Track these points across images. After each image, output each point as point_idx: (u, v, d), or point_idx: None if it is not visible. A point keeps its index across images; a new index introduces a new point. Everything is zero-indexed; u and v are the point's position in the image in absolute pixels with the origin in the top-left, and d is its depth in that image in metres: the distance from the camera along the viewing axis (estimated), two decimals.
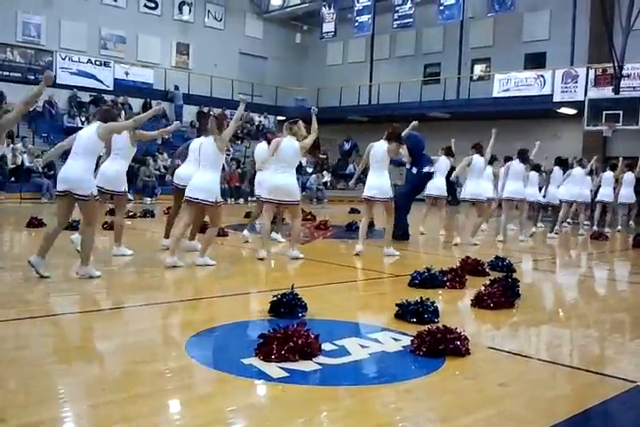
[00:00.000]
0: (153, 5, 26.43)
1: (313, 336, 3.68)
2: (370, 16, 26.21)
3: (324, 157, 26.21)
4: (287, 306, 4.59)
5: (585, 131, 20.14)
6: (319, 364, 3.54)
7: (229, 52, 28.37)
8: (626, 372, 3.69)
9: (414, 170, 10.20)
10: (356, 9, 26.55)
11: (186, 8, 27.43)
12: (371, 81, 27.87)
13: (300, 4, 28.93)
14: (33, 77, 22.20)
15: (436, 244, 10.32)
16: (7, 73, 21.72)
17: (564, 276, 8.01)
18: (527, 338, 4.71)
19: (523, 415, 2.96)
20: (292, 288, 4.73)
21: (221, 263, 7.03)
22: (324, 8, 27.84)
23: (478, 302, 5.26)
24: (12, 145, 17.94)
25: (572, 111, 21.20)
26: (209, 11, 28.17)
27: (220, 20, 28.60)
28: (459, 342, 3.82)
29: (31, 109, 20.47)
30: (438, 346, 3.78)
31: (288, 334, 3.62)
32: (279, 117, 27.17)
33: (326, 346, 3.81)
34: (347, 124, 27.25)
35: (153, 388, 3.18)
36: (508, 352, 4.01)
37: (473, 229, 10.14)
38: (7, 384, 3.14)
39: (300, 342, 3.59)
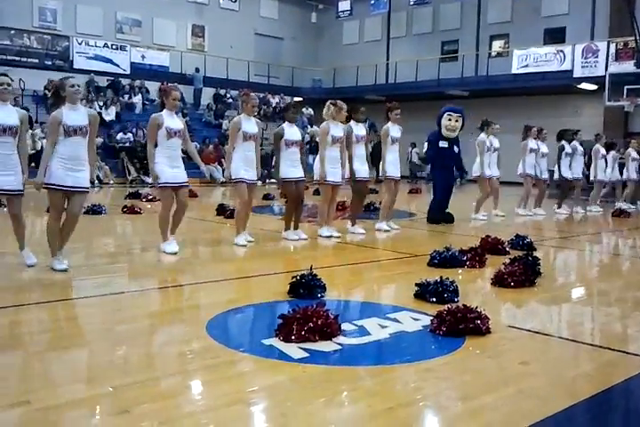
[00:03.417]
0: None
1: (332, 317, 3.69)
2: None
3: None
4: (306, 287, 4.60)
5: (606, 106, 19.84)
6: (339, 344, 3.55)
7: (245, 33, 28.21)
8: None
9: (456, 149, 9.87)
10: None
11: None
12: (387, 60, 27.63)
13: None
14: (50, 63, 22.37)
15: (456, 222, 10.25)
16: (25, 59, 21.81)
17: (586, 254, 7.94)
18: (548, 316, 4.69)
19: (544, 394, 2.95)
20: (311, 269, 4.73)
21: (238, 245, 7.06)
22: None
23: (498, 280, 5.24)
24: (30, 131, 18.07)
25: (592, 87, 20.88)
26: None
27: (235, 1, 28.41)
28: (479, 322, 3.81)
29: (49, 94, 20.60)
30: (458, 325, 3.77)
31: (308, 314, 3.63)
32: (296, 98, 27.00)
33: (346, 326, 3.81)
34: (363, 103, 27.02)
35: (175, 369, 3.22)
36: (529, 331, 4.00)
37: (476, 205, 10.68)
38: (31, 367, 3.19)
39: (319, 322, 3.60)
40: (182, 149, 6.59)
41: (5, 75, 5.35)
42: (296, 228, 7.69)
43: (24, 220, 5.57)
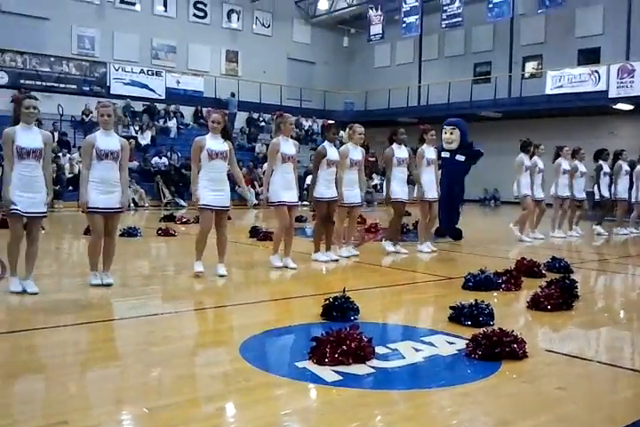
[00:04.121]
0: (202, 14, 26.88)
1: (366, 339, 3.67)
2: (417, 17, 26.05)
3: (374, 159, 26.14)
4: (339, 309, 4.58)
5: None
6: (373, 367, 3.52)
7: (278, 57, 28.59)
8: None
9: (460, 157, 9.93)
10: (403, 10, 26.42)
11: (234, 16, 27.79)
12: (419, 82, 27.69)
13: (346, 8, 28.96)
14: (88, 89, 22.91)
15: (491, 244, 10.14)
16: (63, 85, 22.37)
17: (624, 276, 7.78)
18: (586, 340, 4.59)
19: (582, 420, 2.88)
20: (344, 291, 4.72)
21: (271, 267, 7.08)
22: (371, 11, 27.80)
23: (535, 304, 5.15)
24: (68, 155, 18.47)
25: (628, 107, 20.63)
26: (257, 18, 28.47)
27: (268, 26, 28.87)
28: (515, 345, 3.75)
29: (86, 119, 21.10)
30: (494, 349, 3.71)
31: (341, 337, 3.62)
32: (328, 121, 27.19)
33: (380, 349, 3.79)
34: (396, 126, 27.08)
35: (209, 391, 3.22)
36: (567, 355, 3.92)
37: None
38: (68, 388, 3.22)
39: (353, 345, 3.58)
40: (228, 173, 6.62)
41: (34, 98, 5.47)
42: (327, 249, 7.70)
43: (38, 243, 5.62)
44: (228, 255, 6.63)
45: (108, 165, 5.66)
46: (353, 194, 7.93)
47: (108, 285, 5.73)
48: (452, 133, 9.85)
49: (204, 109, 22.32)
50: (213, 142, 6.34)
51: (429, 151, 8.62)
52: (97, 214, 5.64)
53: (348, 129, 8.06)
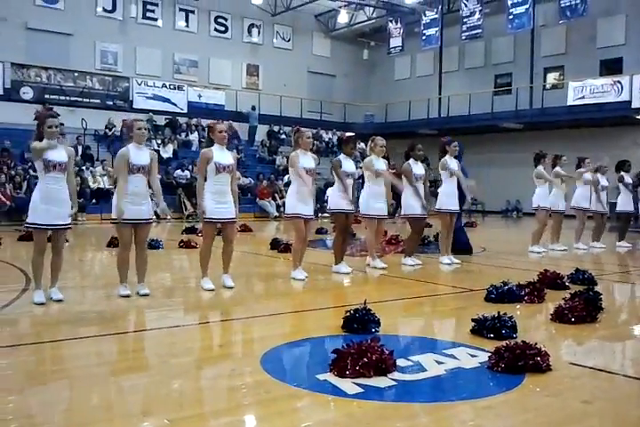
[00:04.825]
0: (223, 29, 27.17)
1: (387, 352, 3.65)
2: (437, 29, 26.12)
3: (394, 171, 26.10)
4: (360, 322, 4.57)
5: None
6: (394, 380, 3.50)
7: (298, 71, 28.76)
8: None
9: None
10: (423, 22, 26.51)
11: (255, 30, 28.05)
12: (440, 94, 27.66)
13: (366, 21, 29.09)
14: (111, 103, 23.23)
15: (513, 256, 10.06)
16: (87, 100, 22.72)
17: None
18: (611, 353, 4.52)
19: None
20: (365, 303, 4.70)
21: (291, 279, 7.08)
22: (390, 23, 27.92)
23: (559, 316, 5.09)
24: (91, 168, 18.70)
25: None
26: (277, 32, 28.71)
27: (289, 40, 29.09)
28: (539, 358, 3.70)
29: (109, 133, 21.36)
30: (517, 362, 3.67)
31: (362, 349, 3.60)
32: (348, 134, 27.24)
33: (401, 362, 3.76)
34: (416, 137, 27.03)
35: (229, 403, 3.22)
36: (592, 368, 3.86)
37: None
38: (91, 399, 3.24)
39: (374, 357, 3.56)
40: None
41: (56, 116, 5.59)
42: (341, 260, 7.74)
43: (63, 255, 5.75)
44: (248, 267, 6.65)
45: (138, 179, 5.83)
46: (380, 206, 7.97)
47: (145, 295, 5.88)
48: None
49: (225, 123, 22.51)
50: (220, 155, 6.33)
51: (452, 162, 8.61)
52: (127, 226, 5.79)
53: (370, 141, 8.11)
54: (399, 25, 27.57)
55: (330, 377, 3.51)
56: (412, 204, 8.29)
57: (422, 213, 8.35)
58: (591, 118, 21.37)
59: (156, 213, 7.27)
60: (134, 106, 23.42)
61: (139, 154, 5.83)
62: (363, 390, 3.31)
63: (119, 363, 3.95)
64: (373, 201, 7.91)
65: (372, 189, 7.95)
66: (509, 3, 23.12)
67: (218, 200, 6.32)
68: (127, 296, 5.79)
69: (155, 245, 9.93)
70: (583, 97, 21.80)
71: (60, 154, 5.46)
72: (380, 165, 7.96)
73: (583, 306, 5.12)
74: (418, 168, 8.36)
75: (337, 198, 7.61)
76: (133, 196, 5.77)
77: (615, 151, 17.85)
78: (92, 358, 4.02)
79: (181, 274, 8.39)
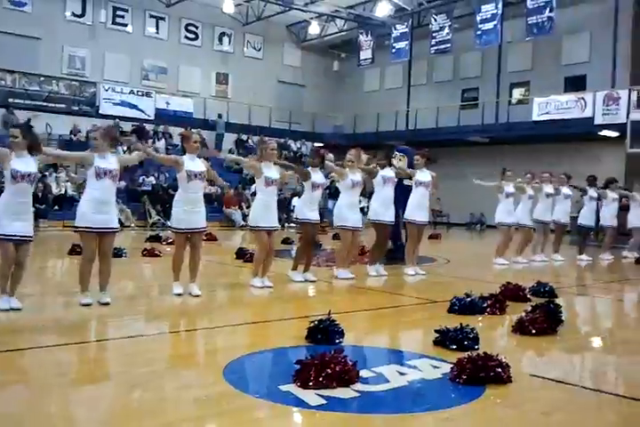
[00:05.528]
0: (193, 37, 27.06)
1: (351, 363, 3.64)
2: (407, 42, 26.38)
3: (362, 187, 26.21)
4: (324, 332, 4.56)
5: (628, 153, 19.79)
6: (357, 391, 3.49)
7: (268, 80, 28.77)
8: None
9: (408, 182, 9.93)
10: (393, 36, 26.75)
11: (225, 39, 28.00)
12: (408, 107, 27.92)
13: (337, 33, 29.26)
14: (77, 108, 22.95)
15: (476, 268, 10.16)
16: (52, 104, 22.40)
17: (608, 301, 7.80)
18: (571, 365, 4.59)
19: None
20: (330, 314, 4.70)
21: (256, 289, 7.05)
22: (361, 36, 28.12)
23: (520, 328, 5.15)
24: (55, 174, 18.42)
25: (614, 134, 20.87)
26: (248, 41, 28.69)
27: (259, 49, 29.10)
28: (500, 370, 3.74)
29: (74, 139, 21.11)
30: (479, 373, 3.70)
31: (325, 360, 3.59)
32: (316, 144, 27.34)
33: (364, 373, 3.77)
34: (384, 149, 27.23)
35: (191, 414, 3.18)
36: (552, 380, 3.91)
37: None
38: (48, 410, 3.18)
39: (337, 368, 3.56)
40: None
41: (16, 126, 5.53)
42: (306, 270, 7.75)
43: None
44: (213, 276, 6.62)
45: (106, 184, 5.72)
46: (357, 218, 8.03)
47: (106, 304, 5.72)
48: (400, 160, 9.98)
49: (194, 131, 22.40)
50: (192, 163, 6.40)
51: (421, 174, 8.70)
52: (91, 234, 5.66)
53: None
54: (369, 37, 27.79)
55: (293, 388, 3.49)
56: (376, 210, 8.38)
57: (386, 220, 8.39)
58: (555, 134, 21.76)
59: (120, 221, 7.21)
60: (101, 111, 23.16)
61: (103, 160, 5.77)
62: (326, 402, 3.30)
63: (78, 373, 3.88)
64: (349, 212, 7.96)
65: (348, 200, 8.01)
66: (478, 19, 23.49)
67: (188, 209, 6.33)
68: (88, 305, 5.68)
69: (118, 253, 9.78)
70: (548, 113, 22.20)
71: (26, 165, 5.34)
72: (357, 176, 8.05)
73: (544, 318, 5.19)
74: (388, 172, 8.45)
75: (304, 209, 7.67)
76: (100, 204, 5.67)
77: (578, 166, 18.20)
78: (50, 368, 3.93)
79: (144, 283, 8.30)
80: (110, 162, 5.80)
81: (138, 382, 3.63)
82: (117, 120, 23.07)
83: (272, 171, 7.16)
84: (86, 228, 5.62)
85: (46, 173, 17.78)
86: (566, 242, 12.73)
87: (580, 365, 4.66)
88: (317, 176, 7.76)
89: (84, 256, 5.80)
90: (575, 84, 23.14)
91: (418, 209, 8.65)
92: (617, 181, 13.03)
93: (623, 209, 13.28)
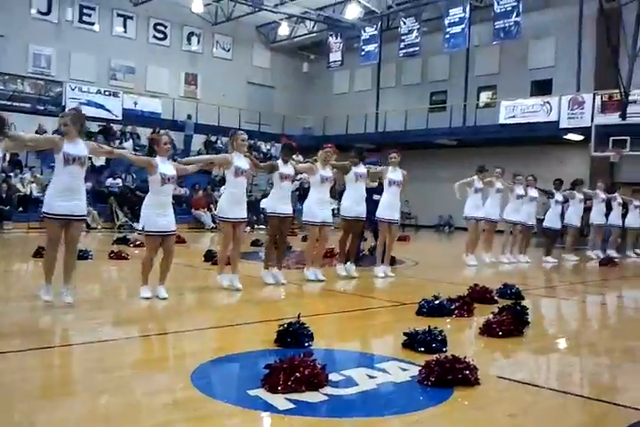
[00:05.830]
0: (162, 36, 26.84)
1: (320, 366, 3.64)
2: (376, 45, 26.51)
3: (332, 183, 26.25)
4: (293, 335, 4.55)
5: (592, 156, 20.15)
6: (326, 395, 3.49)
7: (237, 81, 28.66)
8: (639, 401, 3.62)
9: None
10: (362, 38, 26.87)
11: (194, 39, 27.82)
12: (377, 109, 28.04)
13: (307, 34, 29.28)
14: (42, 108, 22.57)
15: (445, 270, 10.24)
16: (17, 104, 22.00)
17: (573, 303, 7.93)
18: (537, 367, 4.65)
19: None
20: (299, 317, 4.69)
21: (225, 291, 7.02)
22: (330, 38, 28.19)
23: (487, 330, 5.21)
24: (20, 175, 18.10)
25: (578, 137, 21.23)
26: (217, 41, 28.55)
27: (229, 50, 28.98)
28: (467, 372, 3.77)
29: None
30: (447, 376, 3.73)
31: (294, 364, 3.59)
32: (284, 137, 27.29)
33: (333, 376, 3.76)
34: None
35: (158, 420, 3.15)
36: (518, 382, 3.95)
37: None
38: (11, 417, 3.11)
39: (306, 372, 3.55)
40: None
41: None
42: (279, 268, 7.76)
43: None
44: (181, 279, 6.57)
45: (74, 171, 5.65)
46: (325, 214, 8.05)
47: (69, 303, 5.68)
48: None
49: (162, 131, 22.20)
50: (164, 166, 6.36)
51: (393, 173, 8.75)
52: (55, 222, 5.59)
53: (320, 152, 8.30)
54: (339, 40, 27.88)
55: (261, 393, 3.47)
56: (347, 206, 8.45)
57: (357, 216, 8.43)
58: (522, 137, 22.06)
59: (86, 222, 7.13)
60: (67, 111, 22.82)
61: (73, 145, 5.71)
62: (294, 406, 3.29)
63: (42, 379, 3.81)
64: (318, 208, 7.97)
65: (317, 197, 8.05)
66: (446, 22, 23.71)
67: (160, 213, 6.30)
68: (49, 302, 5.60)
69: (84, 255, 9.64)
70: (514, 116, 22.50)
71: None
72: (328, 172, 8.12)
73: (510, 320, 5.25)
74: (359, 168, 8.51)
75: (271, 202, 7.70)
76: (66, 190, 5.61)
77: (544, 169, 18.49)
78: (14, 374, 3.86)
79: (111, 286, 8.19)
80: (79, 148, 5.72)
81: (105, 388, 3.58)
82: (79, 105, 22.68)
83: (242, 161, 7.15)
84: (52, 214, 5.55)
85: (11, 174, 17.46)
86: (532, 244, 12.90)
87: (546, 366, 4.72)
88: (286, 168, 7.75)
89: (49, 245, 5.71)
90: (541, 87, 23.51)
91: (389, 208, 8.70)
92: (584, 182, 13.33)
93: (586, 211, 13.55)
